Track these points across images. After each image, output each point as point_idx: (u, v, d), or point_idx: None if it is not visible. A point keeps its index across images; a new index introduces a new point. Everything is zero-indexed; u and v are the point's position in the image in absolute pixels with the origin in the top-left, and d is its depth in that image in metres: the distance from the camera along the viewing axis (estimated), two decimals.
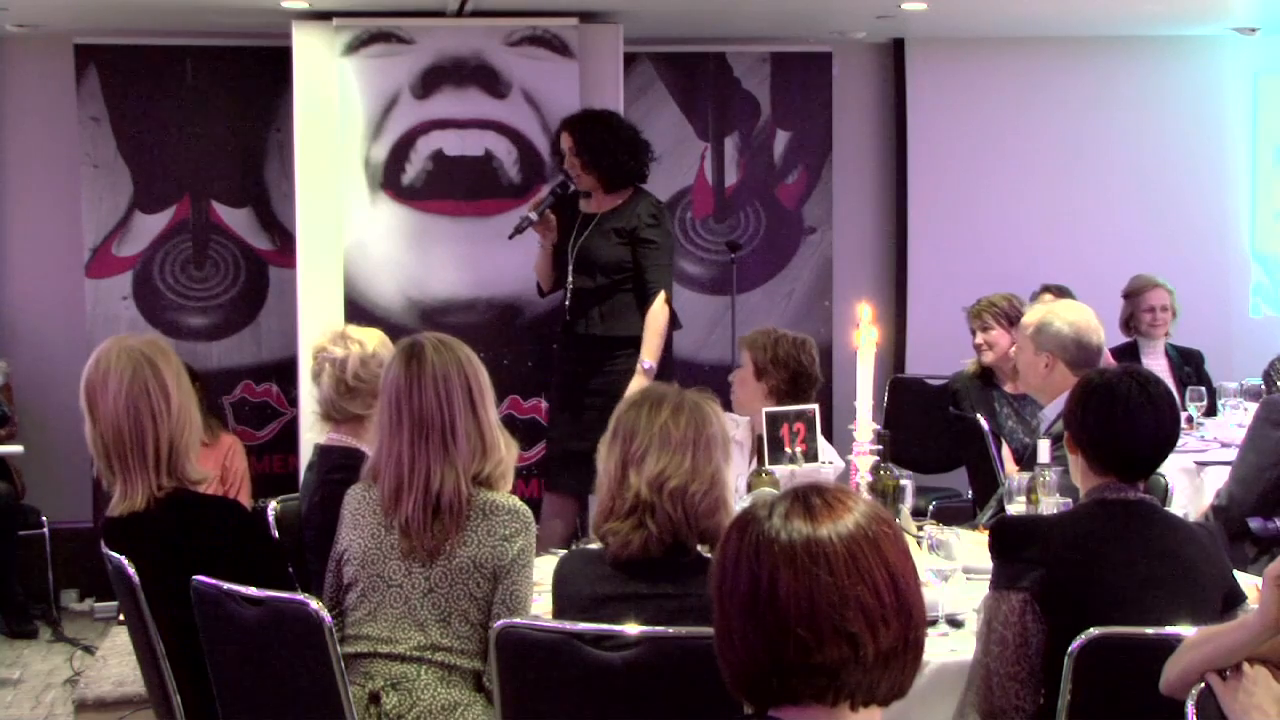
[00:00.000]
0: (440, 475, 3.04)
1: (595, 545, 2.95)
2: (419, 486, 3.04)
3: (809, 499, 1.68)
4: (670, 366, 5.65)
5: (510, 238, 5.63)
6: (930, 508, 4.87)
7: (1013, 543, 2.83)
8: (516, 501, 3.10)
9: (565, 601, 2.91)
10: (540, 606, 3.32)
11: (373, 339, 3.72)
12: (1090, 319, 4.26)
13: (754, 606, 1.64)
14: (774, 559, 1.63)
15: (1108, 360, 4.41)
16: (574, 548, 3.99)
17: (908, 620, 1.65)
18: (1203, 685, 2.37)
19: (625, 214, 5.59)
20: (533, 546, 3.10)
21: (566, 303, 5.63)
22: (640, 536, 2.79)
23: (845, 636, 1.61)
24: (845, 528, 1.64)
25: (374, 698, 3.02)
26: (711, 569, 1.73)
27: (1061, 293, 5.73)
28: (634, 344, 5.53)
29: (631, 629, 2.66)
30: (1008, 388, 5.50)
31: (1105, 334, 4.35)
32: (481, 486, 3.09)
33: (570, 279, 5.61)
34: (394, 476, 3.08)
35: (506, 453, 3.18)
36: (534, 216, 5.57)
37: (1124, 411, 2.90)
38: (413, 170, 6.14)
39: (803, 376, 4.36)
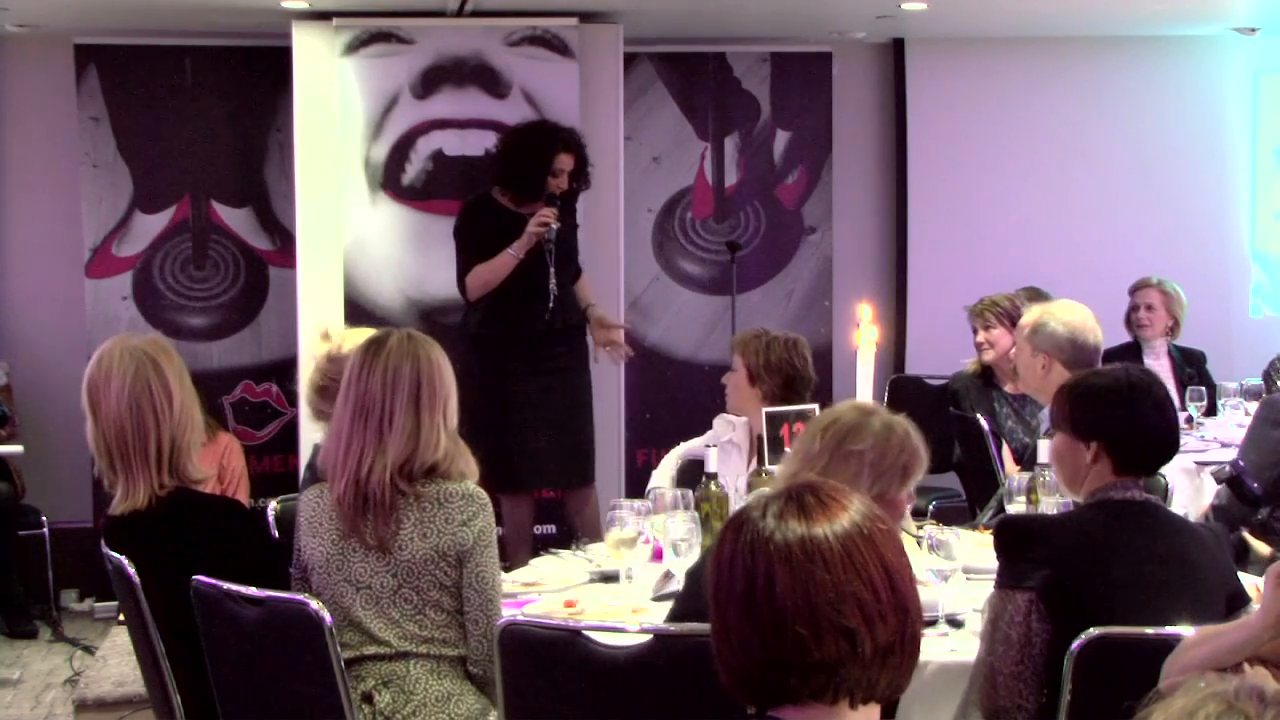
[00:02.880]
0: (370, 461, 3.04)
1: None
2: (351, 467, 3.05)
3: (803, 498, 1.68)
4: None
5: (548, 241, 5.54)
6: (930, 508, 4.88)
7: (1019, 542, 2.83)
8: (469, 485, 3.09)
9: None
10: (537, 607, 3.32)
11: (353, 338, 3.68)
12: (1087, 318, 4.25)
13: (751, 606, 1.64)
14: (770, 558, 1.63)
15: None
16: (574, 547, 4.00)
17: (904, 616, 1.65)
18: None
19: (569, 211, 5.77)
20: (492, 526, 3.09)
21: (551, 304, 5.58)
22: None
23: (843, 633, 1.61)
24: (840, 525, 1.65)
25: (366, 698, 3.03)
26: (707, 570, 1.72)
27: (1034, 295, 5.70)
28: (582, 330, 5.79)
29: (635, 625, 2.66)
30: (1008, 388, 5.49)
31: (1104, 333, 4.35)
32: (434, 478, 3.08)
33: (554, 279, 5.58)
34: (333, 452, 3.10)
35: (456, 460, 3.13)
36: (556, 226, 5.54)
37: (1155, 404, 2.94)
38: (413, 170, 6.14)
39: (797, 379, 4.29)
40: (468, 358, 5.78)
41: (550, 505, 6.05)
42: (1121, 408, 2.94)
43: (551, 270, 5.56)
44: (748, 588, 1.64)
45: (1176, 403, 5.76)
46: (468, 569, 3.04)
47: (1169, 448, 2.99)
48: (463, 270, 5.65)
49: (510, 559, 4.74)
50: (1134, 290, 6.32)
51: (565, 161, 5.66)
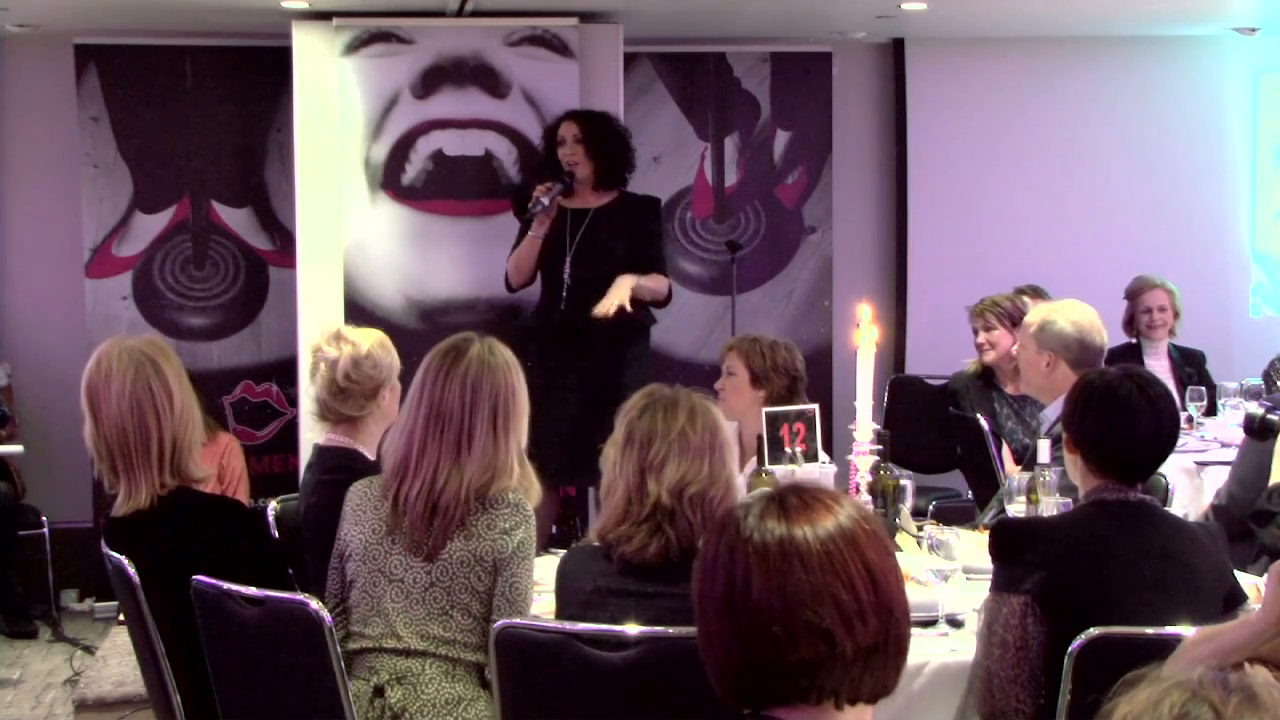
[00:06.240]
0: (446, 474, 3.03)
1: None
2: (426, 474, 3.04)
3: (785, 499, 1.68)
4: (648, 353, 5.82)
5: (527, 217, 5.58)
6: (930, 508, 4.86)
7: (1013, 545, 2.83)
8: (517, 495, 3.10)
9: (568, 595, 2.92)
10: (541, 606, 3.32)
11: (368, 339, 3.70)
12: (1094, 319, 4.25)
13: (730, 607, 1.64)
14: (747, 559, 1.64)
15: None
16: (575, 545, 3.99)
17: (888, 617, 1.64)
18: None
19: (628, 211, 5.69)
20: (533, 539, 3.10)
21: (565, 295, 5.57)
22: (659, 542, 2.80)
23: (819, 633, 1.60)
24: (823, 527, 1.64)
25: (378, 691, 3.03)
26: (694, 572, 1.73)
27: (1037, 293, 5.72)
28: (604, 330, 5.61)
29: (631, 629, 2.66)
30: (1008, 388, 5.49)
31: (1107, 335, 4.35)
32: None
33: (569, 271, 5.60)
34: (403, 450, 3.08)
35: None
36: (546, 202, 5.52)
37: (1124, 413, 2.89)
38: (413, 170, 6.14)
39: (799, 381, 4.44)
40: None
41: (566, 503, 6.06)
42: (1089, 410, 2.92)
43: (567, 259, 5.57)
44: (727, 589, 1.64)
45: (1176, 403, 5.80)
46: (502, 578, 3.04)
47: (1136, 459, 2.91)
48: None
49: None
50: (1139, 292, 6.29)
51: (568, 128, 5.68)
